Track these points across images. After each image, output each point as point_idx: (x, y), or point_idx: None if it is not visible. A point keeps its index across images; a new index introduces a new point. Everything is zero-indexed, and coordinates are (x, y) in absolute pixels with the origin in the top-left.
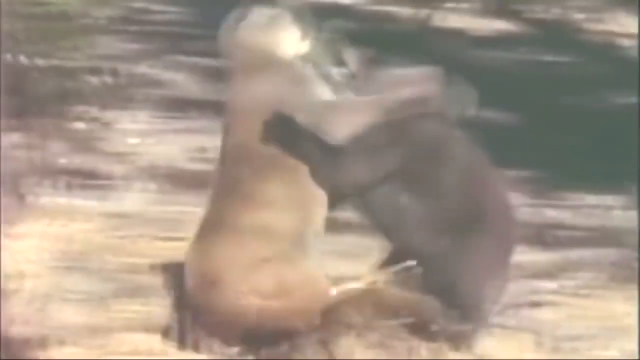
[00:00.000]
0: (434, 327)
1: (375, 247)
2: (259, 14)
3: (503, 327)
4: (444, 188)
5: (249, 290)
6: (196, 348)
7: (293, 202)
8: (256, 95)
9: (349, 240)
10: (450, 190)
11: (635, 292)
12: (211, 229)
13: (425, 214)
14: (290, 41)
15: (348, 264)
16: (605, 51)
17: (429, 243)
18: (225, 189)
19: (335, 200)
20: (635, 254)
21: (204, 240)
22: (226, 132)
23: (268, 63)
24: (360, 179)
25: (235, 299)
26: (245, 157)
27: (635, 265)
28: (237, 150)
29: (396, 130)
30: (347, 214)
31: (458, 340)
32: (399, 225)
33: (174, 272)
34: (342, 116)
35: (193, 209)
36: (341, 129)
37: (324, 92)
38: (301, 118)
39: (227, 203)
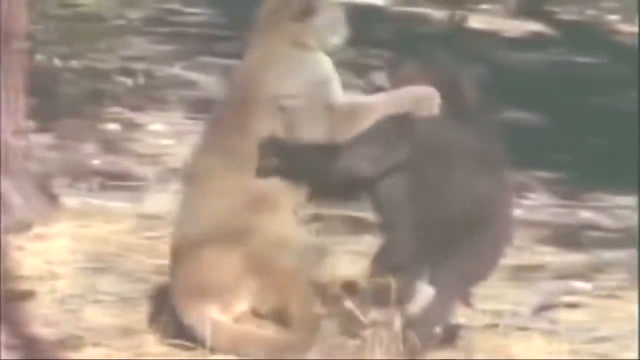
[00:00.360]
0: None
1: None
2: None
3: (537, 329)
4: (444, 189)
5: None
6: None
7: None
8: (271, 86)
9: (368, 241)
10: (450, 191)
11: None
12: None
13: (422, 213)
14: (324, 34)
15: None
16: (635, 52)
17: (422, 243)
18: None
19: (340, 194)
20: None
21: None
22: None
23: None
24: (364, 171)
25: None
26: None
27: None
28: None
29: (404, 125)
30: (366, 214)
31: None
32: (396, 220)
33: None
34: (361, 116)
35: None
36: (357, 128)
37: (341, 92)
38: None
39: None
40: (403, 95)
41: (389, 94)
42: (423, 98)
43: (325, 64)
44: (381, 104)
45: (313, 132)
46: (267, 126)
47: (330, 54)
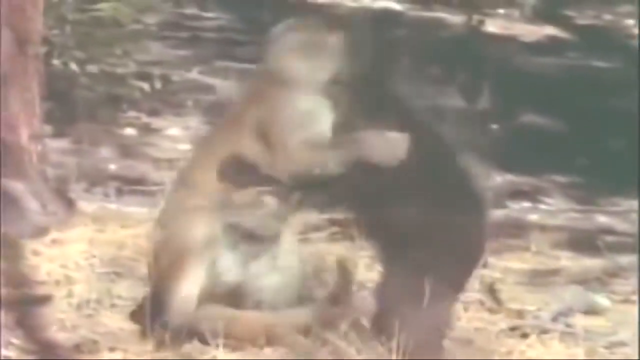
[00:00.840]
0: None
1: None
2: (296, 37)
3: (555, 332)
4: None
5: None
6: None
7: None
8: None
9: None
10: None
11: None
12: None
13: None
14: (314, 72)
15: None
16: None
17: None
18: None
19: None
20: None
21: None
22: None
23: (286, 85)
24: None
25: None
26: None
27: None
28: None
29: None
30: None
31: None
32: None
33: None
34: (333, 154)
35: None
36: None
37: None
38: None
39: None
40: (372, 141)
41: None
42: (387, 145)
43: (306, 103)
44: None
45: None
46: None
47: None
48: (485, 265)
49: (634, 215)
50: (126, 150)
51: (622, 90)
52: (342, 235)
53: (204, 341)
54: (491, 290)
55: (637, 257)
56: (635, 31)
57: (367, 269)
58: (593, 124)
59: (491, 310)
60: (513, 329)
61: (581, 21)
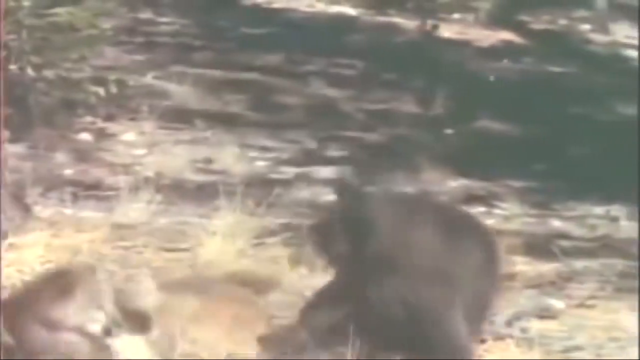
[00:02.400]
0: None
1: None
2: None
3: (510, 337)
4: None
5: None
6: None
7: None
8: None
9: None
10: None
11: None
12: None
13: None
14: None
15: None
16: (611, 62)
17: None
18: None
19: None
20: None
21: None
22: None
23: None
24: None
25: None
26: None
27: None
28: None
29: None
30: None
31: None
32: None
33: None
34: None
35: (198, 219)
36: None
37: None
38: None
39: None
40: None
41: None
42: None
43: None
44: None
45: None
46: None
47: None
48: None
49: (590, 220)
50: (82, 155)
51: (577, 95)
52: (298, 240)
53: None
54: None
55: (592, 262)
56: (591, 36)
57: (322, 274)
58: (548, 128)
59: None
60: None
61: (536, 26)
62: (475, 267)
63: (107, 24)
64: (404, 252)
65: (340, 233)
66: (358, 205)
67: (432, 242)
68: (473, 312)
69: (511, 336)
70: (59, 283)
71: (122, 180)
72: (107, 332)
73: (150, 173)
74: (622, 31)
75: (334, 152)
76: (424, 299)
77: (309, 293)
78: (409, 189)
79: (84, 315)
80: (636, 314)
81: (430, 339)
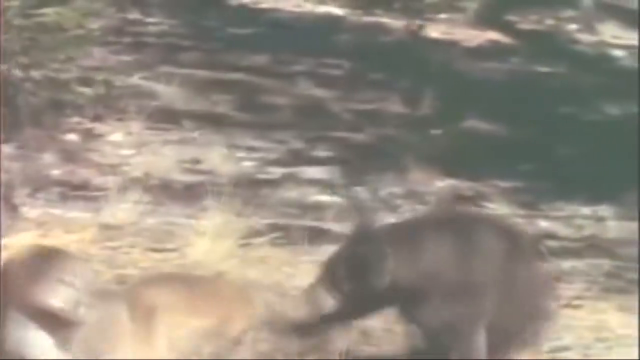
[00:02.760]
0: None
1: None
2: None
3: None
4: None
5: None
6: None
7: None
8: None
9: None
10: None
11: (628, 303)
12: None
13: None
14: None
15: None
16: (598, 62)
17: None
18: None
19: None
20: (627, 265)
21: None
22: None
23: None
24: None
25: None
26: None
27: (628, 276)
28: None
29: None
30: (324, 224)
31: None
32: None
33: None
34: None
35: (186, 220)
36: None
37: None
38: None
39: None
40: None
41: None
42: None
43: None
44: None
45: None
46: None
47: None
48: None
49: (578, 220)
50: (69, 155)
51: (564, 95)
52: (284, 240)
53: None
54: None
55: (579, 262)
56: (578, 36)
57: (309, 274)
58: (536, 129)
59: None
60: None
61: (524, 26)
62: (499, 268)
63: (94, 25)
64: (419, 279)
65: (351, 270)
66: (367, 242)
67: (446, 260)
68: (508, 317)
69: None
70: (30, 264)
71: (110, 180)
72: (74, 309)
73: (138, 173)
74: (609, 31)
75: (321, 152)
76: (446, 321)
77: (296, 293)
78: (397, 189)
79: (54, 292)
80: (623, 313)
81: (450, 355)
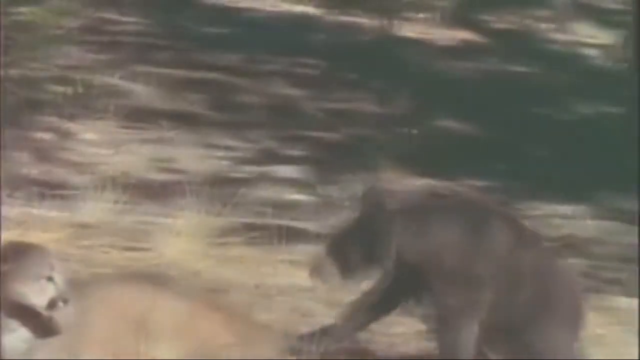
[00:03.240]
0: None
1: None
2: None
3: None
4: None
5: None
6: None
7: None
8: None
9: (302, 250)
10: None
11: (604, 303)
12: None
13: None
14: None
15: (300, 273)
16: (572, 61)
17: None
18: None
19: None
20: (603, 264)
21: None
22: None
23: None
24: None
25: None
26: None
27: (604, 275)
28: None
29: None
30: (300, 223)
31: None
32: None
33: None
34: None
35: (162, 219)
36: None
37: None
38: None
39: None
40: None
41: None
42: None
43: None
44: None
45: None
46: None
47: None
48: None
49: (553, 220)
50: (47, 155)
51: (539, 95)
52: (259, 240)
53: None
54: None
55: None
56: (553, 35)
57: (284, 273)
58: (511, 128)
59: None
60: (428, 331)
61: (498, 25)
62: (504, 264)
63: (71, 24)
64: (421, 260)
65: (359, 245)
66: (376, 216)
67: (450, 246)
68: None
69: None
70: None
71: (87, 180)
72: (52, 305)
73: (114, 173)
74: (583, 31)
75: (295, 151)
76: (440, 309)
77: (273, 292)
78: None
79: (30, 287)
80: (599, 313)
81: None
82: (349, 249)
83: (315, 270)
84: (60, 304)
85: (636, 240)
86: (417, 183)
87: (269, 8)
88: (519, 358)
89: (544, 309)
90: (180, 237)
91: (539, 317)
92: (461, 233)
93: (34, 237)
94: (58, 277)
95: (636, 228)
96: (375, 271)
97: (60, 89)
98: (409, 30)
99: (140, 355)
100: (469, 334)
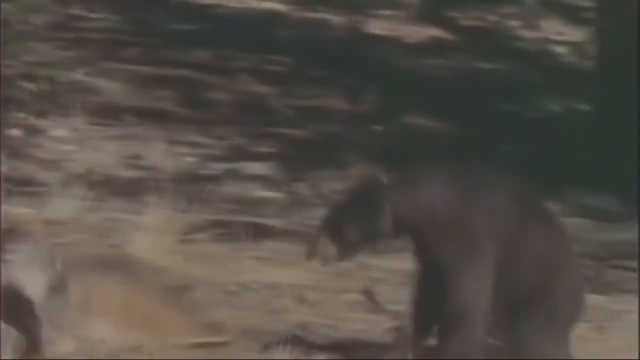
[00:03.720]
0: None
1: (293, 252)
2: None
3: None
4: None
5: None
6: None
7: None
8: None
9: (268, 246)
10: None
11: None
12: None
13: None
14: None
15: (268, 269)
16: (540, 58)
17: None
18: None
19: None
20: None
21: None
22: None
23: None
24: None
25: None
26: None
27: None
28: None
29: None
30: (267, 220)
31: None
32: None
33: None
34: None
35: (128, 215)
36: None
37: None
38: None
39: None
40: None
41: None
42: None
43: None
44: None
45: None
46: None
47: None
48: (365, 267)
49: None
50: (13, 151)
51: (507, 92)
52: (226, 236)
53: None
54: (368, 292)
55: None
56: (521, 32)
57: (251, 270)
58: (478, 125)
59: (375, 311)
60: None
61: (466, 22)
62: (505, 222)
63: (38, 20)
64: (418, 216)
65: (355, 219)
66: (369, 187)
67: (447, 199)
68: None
69: None
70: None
71: (55, 176)
72: (49, 293)
73: (80, 169)
74: (551, 28)
75: (263, 148)
76: (439, 255)
77: (234, 288)
78: (338, 185)
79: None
80: None
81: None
82: (344, 224)
83: (313, 250)
84: (54, 293)
85: (605, 238)
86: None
87: (236, 5)
88: (509, 347)
89: (542, 297)
90: (146, 234)
91: (535, 306)
92: (458, 191)
93: None
94: (53, 264)
95: (605, 225)
96: (375, 242)
97: (27, 85)
98: (377, 27)
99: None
100: (473, 293)
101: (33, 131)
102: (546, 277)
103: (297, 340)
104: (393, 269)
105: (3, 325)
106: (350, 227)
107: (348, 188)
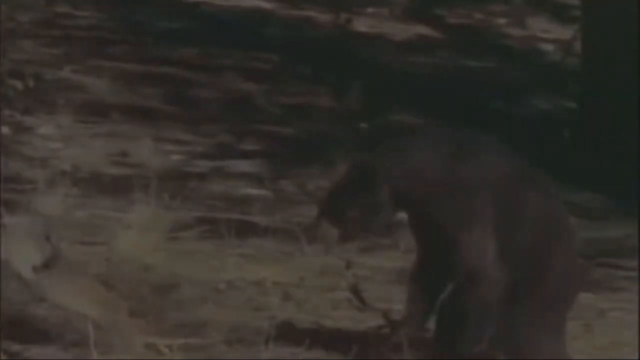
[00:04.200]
0: None
1: (279, 250)
2: None
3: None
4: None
5: None
6: None
7: None
8: None
9: (253, 244)
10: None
11: None
12: None
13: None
14: None
15: (253, 267)
16: (527, 56)
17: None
18: None
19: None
20: None
21: None
22: None
23: None
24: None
25: None
26: None
27: None
28: None
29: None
30: (252, 217)
31: None
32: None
33: None
34: None
35: (114, 213)
36: None
37: None
38: None
39: None
40: None
41: None
42: None
43: None
44: None
45: None
46: None
47: None
48: (350, 266)
49: None
50: (1, 148)
51: (494, 90)
52: (211, 234)
53: None
54: (355, 290)
55: None
56: (508, 30)
57: (236, 268)
58: (464, 123)
59: (360, 309)
60: (380, 327)
61: (453, 20)
62: (499, 178)
63: (24, 17)
64: (412, 181)
65: (353, 198)
66: (364, 165)
67: (436, 159)
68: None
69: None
70: None
71: (39, 173)
72: (46, 266)
73: (66, 167)
74: (538, 25)
75: (249, 146)
76: (437, 214)
77: (220, 286)
78: (325, 182)
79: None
80: None
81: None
82: (343, 205)
83: (313, 236)
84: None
85: (591, 235)
86: None
87: (222, 3)
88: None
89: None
90: (132, 231)
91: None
92: (449, 151)
93: None
94: (53, 235)
95: (591, 222)
96: (374, 220)
97: (14, 82)
98: (364, 24)
99: None
100: (480, 247)
101: (19, 128)
102: (543, 244)
103: (282, 338)
104: (379, 266)
105: None
106: (349, 206)
107: (342, 171)
